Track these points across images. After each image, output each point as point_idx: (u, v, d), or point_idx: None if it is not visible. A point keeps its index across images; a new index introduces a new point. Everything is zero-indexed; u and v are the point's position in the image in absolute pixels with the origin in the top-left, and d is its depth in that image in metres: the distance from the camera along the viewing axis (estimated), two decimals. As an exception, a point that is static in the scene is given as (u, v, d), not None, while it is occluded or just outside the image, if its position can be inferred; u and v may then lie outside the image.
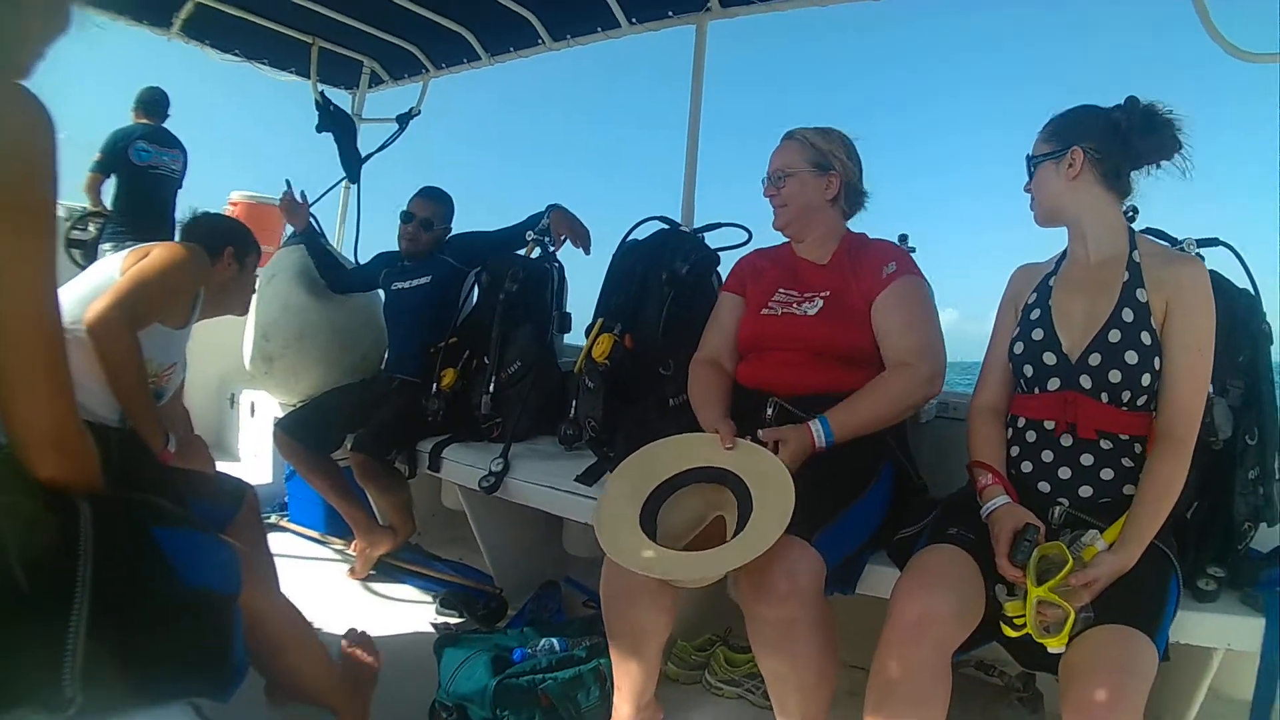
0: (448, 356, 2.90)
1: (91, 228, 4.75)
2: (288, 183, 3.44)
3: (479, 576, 2.80)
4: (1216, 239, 1.90)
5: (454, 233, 3.27)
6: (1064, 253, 1.81)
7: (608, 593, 1.80)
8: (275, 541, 1.89)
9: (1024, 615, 1.42)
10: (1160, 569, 1.52)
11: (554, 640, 2.17)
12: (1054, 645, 1.39)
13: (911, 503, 1.93)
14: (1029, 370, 1.70)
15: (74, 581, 0.94)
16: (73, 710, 0.89)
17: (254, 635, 1.49)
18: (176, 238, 4.62)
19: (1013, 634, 1.45)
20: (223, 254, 2.23)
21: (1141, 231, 1.89)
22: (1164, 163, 1.69)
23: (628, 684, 1.84)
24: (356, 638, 2.12)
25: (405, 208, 3.20)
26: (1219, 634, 1.64)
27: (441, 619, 2.61)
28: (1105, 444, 1.62)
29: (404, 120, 4.09)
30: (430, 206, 3.18)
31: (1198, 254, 1.90)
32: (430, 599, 2.75)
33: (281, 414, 3.30)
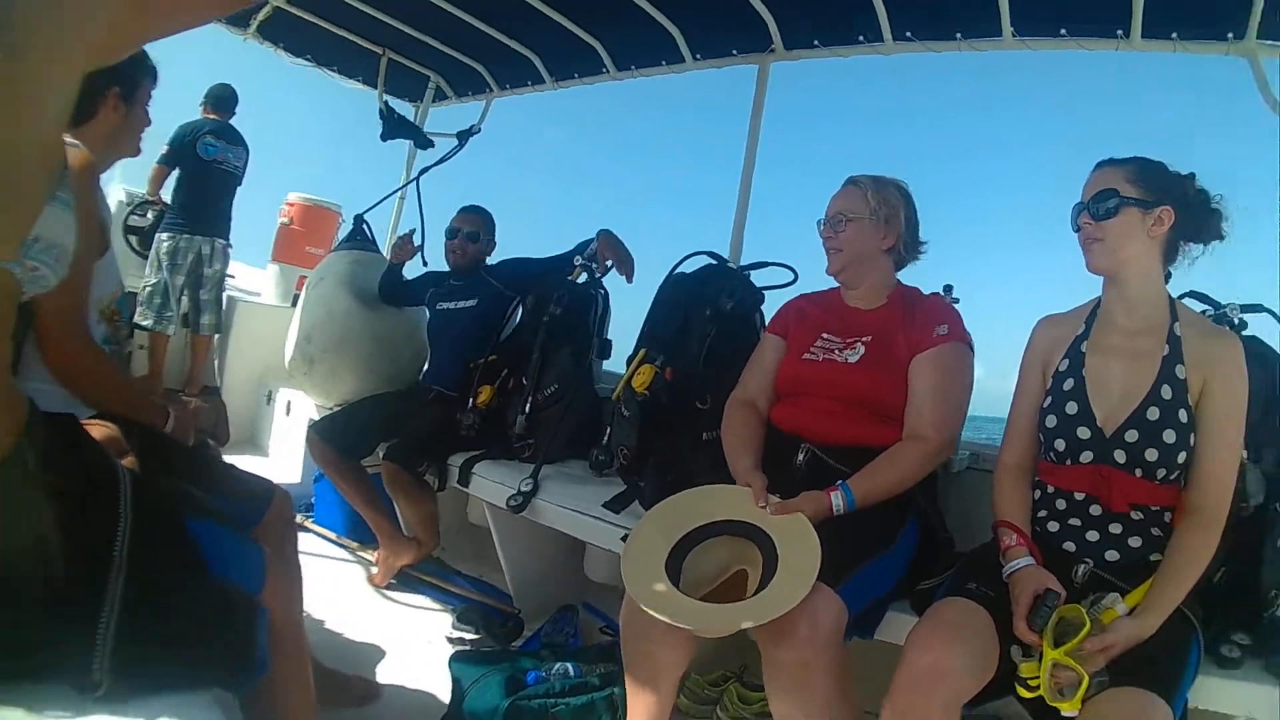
0: (485, 374, 2.92)
1: (150, 215, 4.88)
2: (412, 232, 3.54)
3: (498, 595, 2.80)
4: (1260, 305, 1.93)
5: (503, 258, 3.33)
6: (1094, 310, 1.77)
7: (627, 623, 1.80)
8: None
9: (1038, 677, 1.41)
10: (1182, 633, 1.51)
11: (569, 665, 2.16)
12: (1067, 709, 1.37)
13: (936, 554, 1.92)
14: (1060, 444, 1.67)
15: (110, 565, 0.96)
16: (100, 691, 0.90)
17: None
18: (231, 233, 4.71)
19: (1026, 695, 1.44)
20: (106, 98, 1.73)
21: (1185, 295, 1.90)
22: (1203, 246, 1.69)
23: (640, 715, 1.83)
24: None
25: (450, 224, 3.29)
26: (1241, 702, 1.62)
27: (457, 633, 2.61)
28: (1136, 514, 1.61)
29: (464, 137, 4.14)
30: (474, 220, 3.27)
31: (1240, 319, 1.92)
32: (448, 612, 2.75)
33: (317, 416, 3.34)
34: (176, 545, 1.09)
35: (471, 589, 2.83)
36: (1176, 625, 1.49)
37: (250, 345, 4.76)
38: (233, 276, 5.13)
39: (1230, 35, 2.48)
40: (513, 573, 2.73)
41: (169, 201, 4.70)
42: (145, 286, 4.45)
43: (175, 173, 4.61)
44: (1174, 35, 2.57)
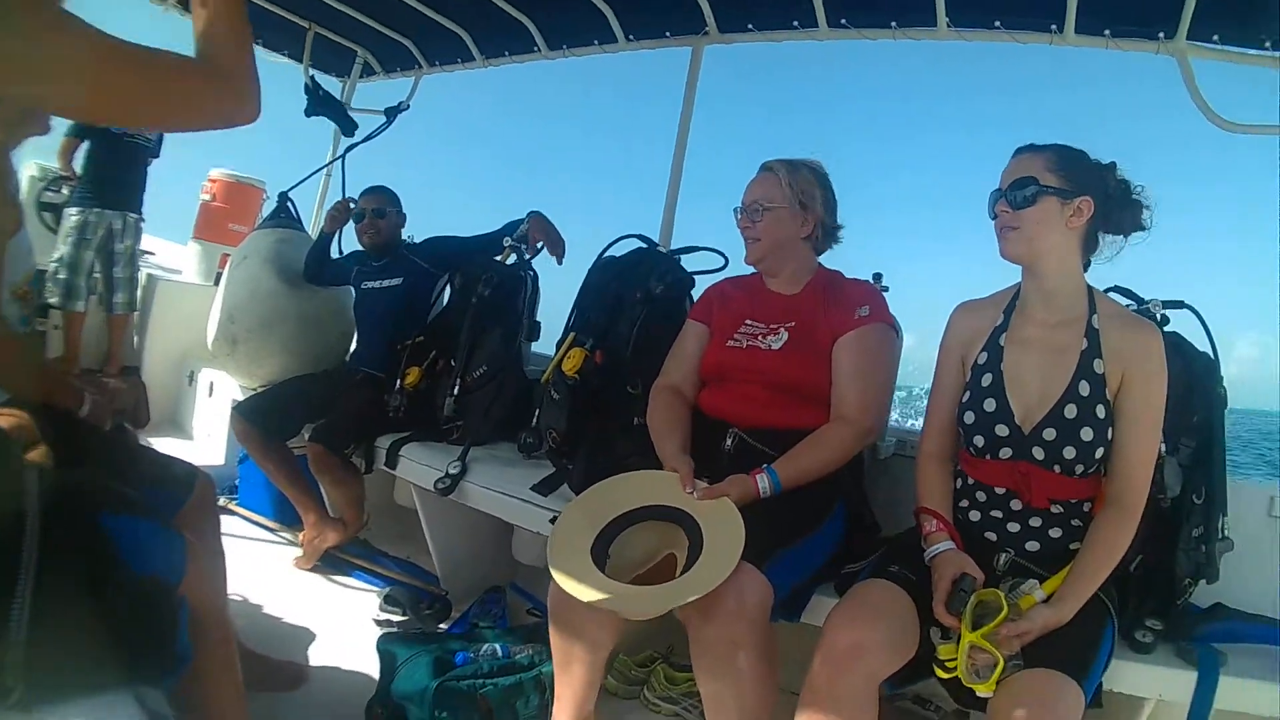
0: (413, 355, 2.89)
1: (65, 190, 4.68)
2: (351, 199, 3.38)
3: (425, 576, 2.79)
4: (1182, 302, 1.94)
5: (430, 236, 3.30)
6: (1013, 299, 1.76)
7: (555, 605, 1.79)
8: (222, 524, 1.85)
9: (956, 659, 1.44)
10: (1097, 617, 1.54)
11: (497, 645, 2.17)
12: (983, 690, 1.41)
13: (862, 539, 1.96)
14: (980, 440, 1.68)
15: (17, 567, 0.93)
16: (13, 698, 0.89)
17: None
18: (144, 207, 4.53)
19: (944, 675, 1.48)
20: None
21: (1110, 289, 1.90)
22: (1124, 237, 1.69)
23: (568, 695, 1.84)
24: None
25: (355, 210, 3.24)
26: (1152, 684, 1.69)
27: (384, 615, 2.59)
28: (1055, 509, 1.63)
29: (392, 113, 4.06)
30: (377, 199, 3.24)
31: (1163, 314, 1.92)
32: (375, 594, 2.73)
33: (240, 397, 3.27)
34: (88, 542, 1.07)
35: (398, 570, 2.82)
36: (1092, 610, 1.52)
37: (171, 324, 4.61)
38: (152, 253, 4.95)
39: (1161, 35, 2.58)
40: (440, 555, 2.72)
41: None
42: (52, 263, 4.25)
43: (85, 145, 4.42)
44: (1106, 32, 2.67)
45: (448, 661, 2.06)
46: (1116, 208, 1.65)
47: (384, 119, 4.10)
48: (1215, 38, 2.54)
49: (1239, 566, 1.88)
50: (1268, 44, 2.49)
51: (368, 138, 4.05)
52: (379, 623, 2.54)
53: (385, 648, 2.09)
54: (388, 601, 2.65)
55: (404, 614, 2.61)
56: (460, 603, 2.68)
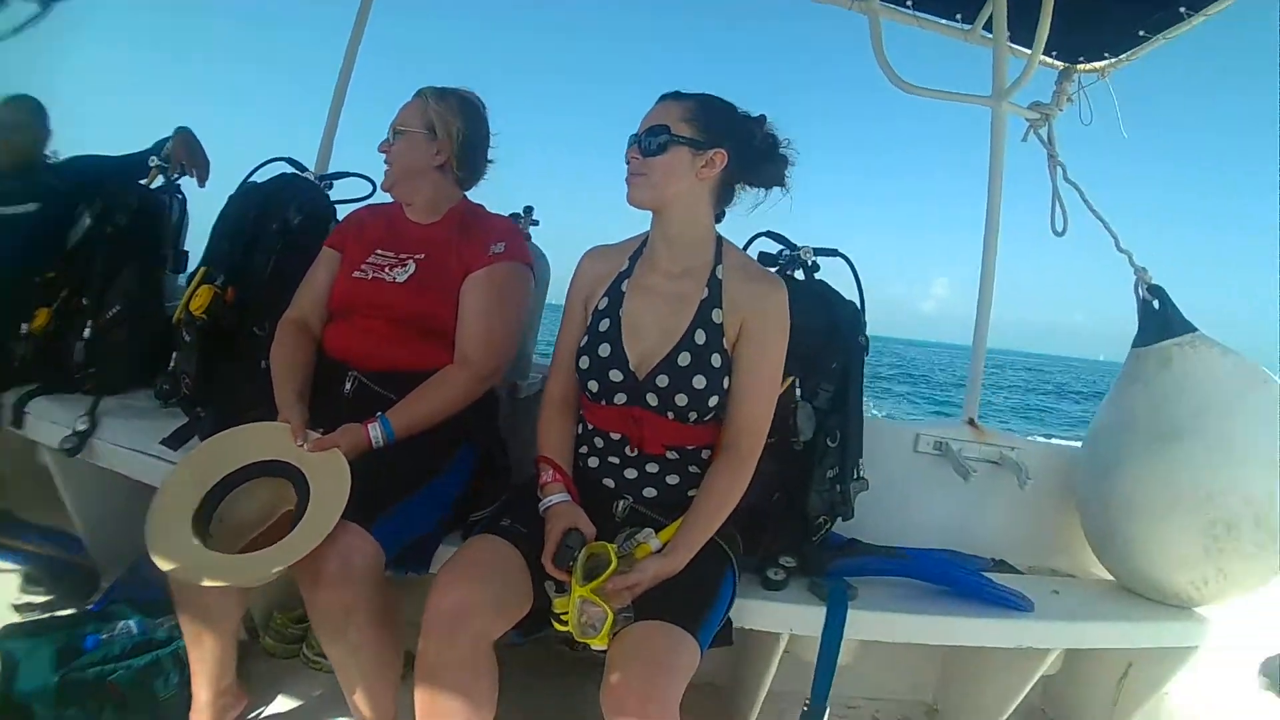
0: (43, 294, 2.49)
1: None
2: None
3: (73, 546, 2.47)
4: (835, 250, 1.99)
5: (74, 155, 2.83)
6: (641, 246, 1.75)
7: (172, 575, 1.64)
8: None
9: (569, 613, 1.44)
10: (714, 565, 1.57)
11: (132, 623, 1.98)
12: (596, 644, 1.41)
13: (492, 483, 1.92)
14: (594, 386, 1.66)
15: None
16: None
17: None
18: None
19: (560, 629, 1.47)
20: None
21: (761, 234, 1.96)
22: (763, 189, 1.68)
23: (203, 670, 1.76)
24: None
25: None
26: (783, 620, 1.76)
27: (25, 599, 2.31)
28: (671, 454, 1.64)
29: (48, 1, 3.48)
30: (14, 109, 2.76)
31: (813, 261, 1.97)
32: (17, 574, 2.41)
33: None
34: None
35: (41, 542, 2.47)
36: (708, 558, 1.54)
37: None
38: None
39: None
40: (83, 520, 2.41)
41: None
42: None
43: None
44: (801, -18, 2.61)
45: (75, 649, 1.87)
46: (758, 161, 1.64)
47: (37, 7, 3.50)
48: (909, 3, 2.61)
49: (883, 501, 2.00)
50: (959, 17, 2.59)
51: (16, 30, 3.45)
52: (19, 609, 2.26)
53: (5, 643, 1.84)
54: (27, 582, 2.36)
55: (47, 594, 2.33)
56: (111, 571, 2.41)
